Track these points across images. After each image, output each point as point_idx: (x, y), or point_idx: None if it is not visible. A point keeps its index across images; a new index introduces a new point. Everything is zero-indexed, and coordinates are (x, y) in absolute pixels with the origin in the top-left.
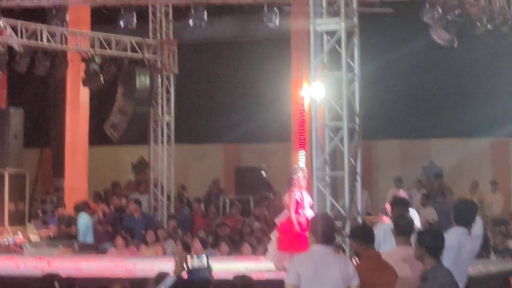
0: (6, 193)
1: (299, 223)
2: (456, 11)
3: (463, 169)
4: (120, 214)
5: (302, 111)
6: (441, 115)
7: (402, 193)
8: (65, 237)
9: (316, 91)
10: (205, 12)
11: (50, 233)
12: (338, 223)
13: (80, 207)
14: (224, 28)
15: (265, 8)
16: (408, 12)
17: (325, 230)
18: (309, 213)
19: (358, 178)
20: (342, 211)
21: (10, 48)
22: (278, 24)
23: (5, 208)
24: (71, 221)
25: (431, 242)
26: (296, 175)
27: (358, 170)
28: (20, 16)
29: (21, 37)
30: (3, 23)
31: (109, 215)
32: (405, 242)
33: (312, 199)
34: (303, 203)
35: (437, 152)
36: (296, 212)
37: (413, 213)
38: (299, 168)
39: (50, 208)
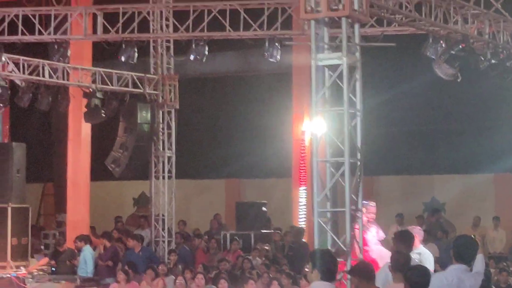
0: (9, 227)
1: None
2: (460, 45)
3: (466, 205)
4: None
5: (303, 146)
6: (443, 150)
7: (417, 230)
8: (67, 271)
9: (317, 126)
10: (206, 47)
11: (51, 266)
12: (340, 259)
13: (83, 240)
14: (226, 62)
15: (267, 43)
16: (411, 46)
17: (327, 267)
18: (376, 249)
19: (359, 214)
20: (343, 247)
21: (12, 83)
22: (279, 58)
23: (8, 243)
24: (72, 255)
25: (416, 279)
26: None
27: (360, 206)
28: (22, 52)
29: (24, 72)
30: (5, 58)
31: (110, 249)
32: (401, 279)
33: (313, 234)
34: (369, 239)
35: (439, 187)
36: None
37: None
38: (365, 203)
39: (53, 242)
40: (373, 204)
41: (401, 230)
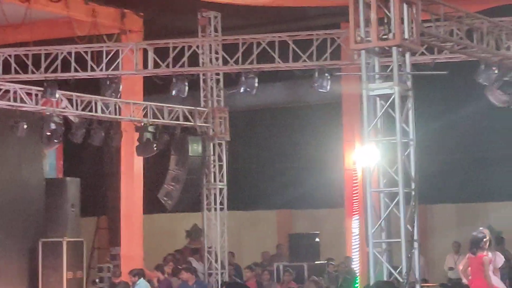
0: (64, 261)
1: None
2: None
3: None
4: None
5: (355, 176)
6: (497, 177)
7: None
8: None
9: (370, 157)
10: (256, 79)
11: None
12: None
13: (137, 275)
14: (275, 94)
15: (316, 74)
16: (462, 73)
17: None
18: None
19: (416, 245)
20: (399, 278)
21: (66, 120)
22: (329, 88)
23: (63, 277)
24: None
25: None
26: (485, 239)
27: (416, 236)
28: (75, 88)
29: (77, 108)
30: (59, 95)
31: (164, 282)
32: None
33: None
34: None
35: (494, 215)
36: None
37: None
38: (483, 230)
39: (107, 276)
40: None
41: None
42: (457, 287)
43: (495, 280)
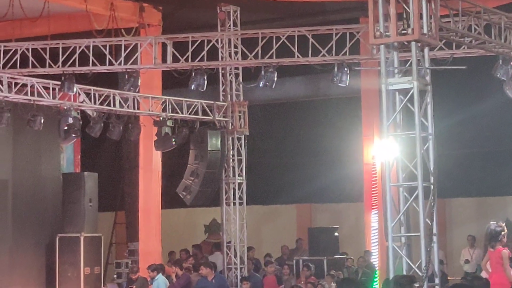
0: (82, 257)
1: None
2: None
3: None
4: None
5: (374, 170)
6: None
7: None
8: None
9: (389, 151)
10: (275, 73)
11: None
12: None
13: (155, 270)
14: (294, 88)
15: (336, 68)
16: (481, 67)
17: None
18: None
19: (435, 239)
20: (419, 273)
21: (84, 114)
22: (348, 83)
23: (81, 272)
24: (144, 284)
25: None
26: (504, 232)
27: (435, 230)
28: (93, 82)
29: (95, 102)
30: (77, 89)
31: (182, 277)
32: None
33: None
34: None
35: None
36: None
37: None
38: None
39: (125, 271)
40: None
41: None
42: (476, 280)
43: None
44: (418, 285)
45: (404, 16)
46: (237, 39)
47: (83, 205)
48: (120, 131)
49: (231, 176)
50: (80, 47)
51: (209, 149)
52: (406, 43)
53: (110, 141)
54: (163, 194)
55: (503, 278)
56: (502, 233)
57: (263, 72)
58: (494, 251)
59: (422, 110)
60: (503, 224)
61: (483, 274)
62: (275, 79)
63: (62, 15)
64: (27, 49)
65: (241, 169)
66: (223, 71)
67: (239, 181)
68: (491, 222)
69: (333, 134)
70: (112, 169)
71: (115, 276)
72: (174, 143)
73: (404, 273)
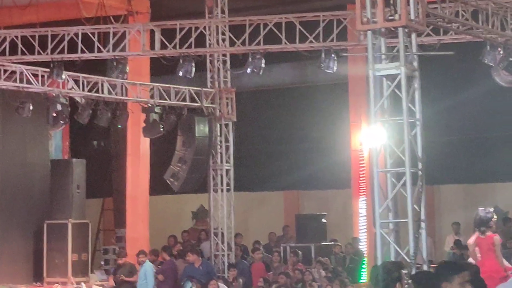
0: (70, 243)
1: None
2: None
3: None
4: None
5: (362, 156)
6: (504, 157)
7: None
8: (126, 287)
9: (377, 137)
10: (263, 60)
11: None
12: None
13: (144, 255)
14: (282, 74)
15: (323, 54)
16: (468, 53)
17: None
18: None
19: (423, 225)
20: (407, 259)
21: (72, 100)
22: (335, 69)
23: (68, 259)
24: (132, 270)
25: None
26: (494, 218)
27: (423, 216)
28: (81, 69)
29: (83, 89)
30: (65, 76)
31: (166, 263)
32: None
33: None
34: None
35: (501, 196)
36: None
37: None
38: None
39: (113, 258)
40: None
41: None
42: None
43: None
44: (406, 271)
45: (391, 2)
46: (225, 26)
47: (71, 191)
48: (108, 118)
49: (219, 162)
50: (69, 34)
51: (196, 135)
52: (393, 29)
53: (98, 128)
54: (151, 180)
55: (497, 265)
56: (493, 219)
57: (250, 58)
58: (485, 237)
59: (410, 96)
60: (492, 210)
61: (471, 260)
62: (263, 65)
63: (51, 3)
64: (16, 37)
65: (229, 155)
66: (210, 58)
67: (226, 167)
68: (480, 209)
69: (321, 121)
70: (100, 156)
71: (102, 262)
72: (162, 129)
73: (392, 259)
